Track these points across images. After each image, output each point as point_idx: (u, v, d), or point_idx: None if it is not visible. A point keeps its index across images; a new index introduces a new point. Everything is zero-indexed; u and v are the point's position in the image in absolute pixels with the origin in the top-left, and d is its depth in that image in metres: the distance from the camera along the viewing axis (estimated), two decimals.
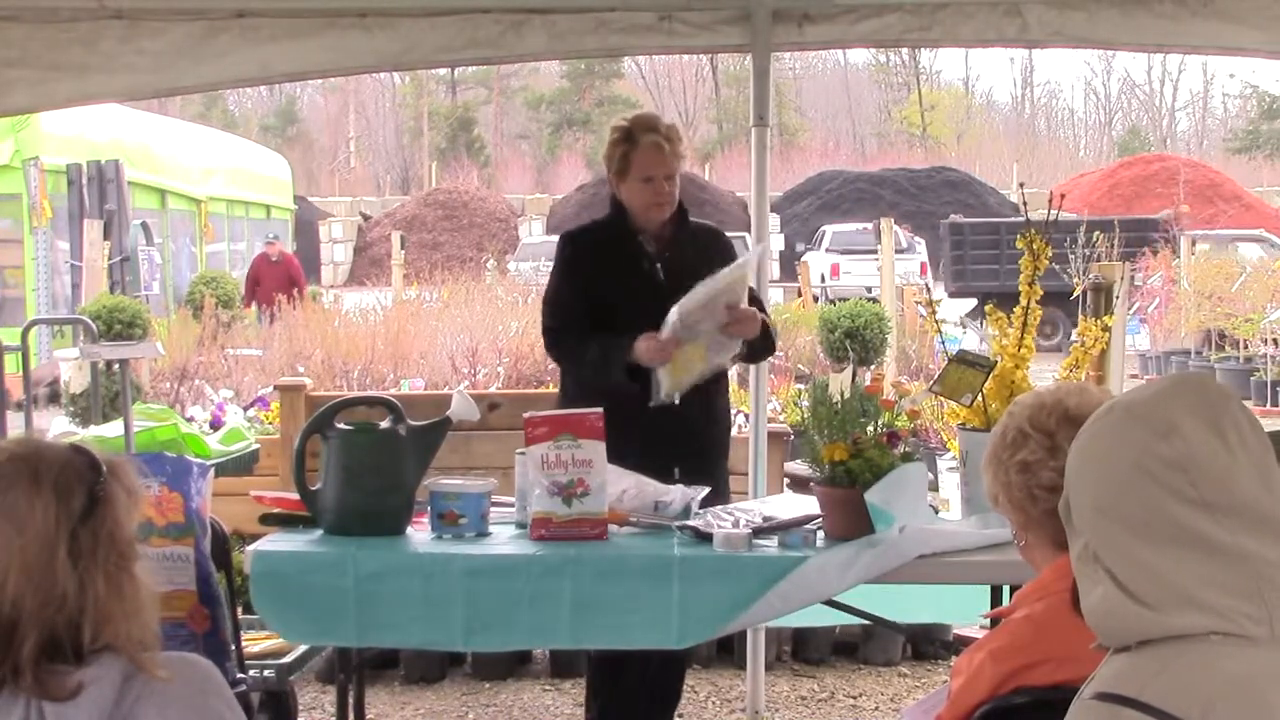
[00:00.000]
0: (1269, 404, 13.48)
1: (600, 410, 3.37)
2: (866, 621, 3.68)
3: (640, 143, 3.89)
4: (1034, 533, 2.30)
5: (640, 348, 3.75)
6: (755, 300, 3.99)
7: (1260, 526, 1.63)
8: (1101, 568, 1.67)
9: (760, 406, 4.72)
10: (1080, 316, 5.06)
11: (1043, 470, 2.24)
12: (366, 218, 39.25)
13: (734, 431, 4.36)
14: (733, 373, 8.36)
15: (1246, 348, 15.09)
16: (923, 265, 25.48)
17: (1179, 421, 1.65)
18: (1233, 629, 1.60)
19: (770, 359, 8.06)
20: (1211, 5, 4.35)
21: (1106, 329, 3.80)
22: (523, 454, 3.36)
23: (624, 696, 4.02)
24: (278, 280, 17.30)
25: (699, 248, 3.98)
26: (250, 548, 3.26)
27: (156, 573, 2.68)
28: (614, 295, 3.86)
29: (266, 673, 3.88)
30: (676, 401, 3.79)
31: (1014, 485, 2.29)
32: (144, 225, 16.63)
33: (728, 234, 4.29)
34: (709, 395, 3.96)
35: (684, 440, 3.85)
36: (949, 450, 5.14)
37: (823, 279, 25.73)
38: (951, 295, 19.90)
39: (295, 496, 3.41)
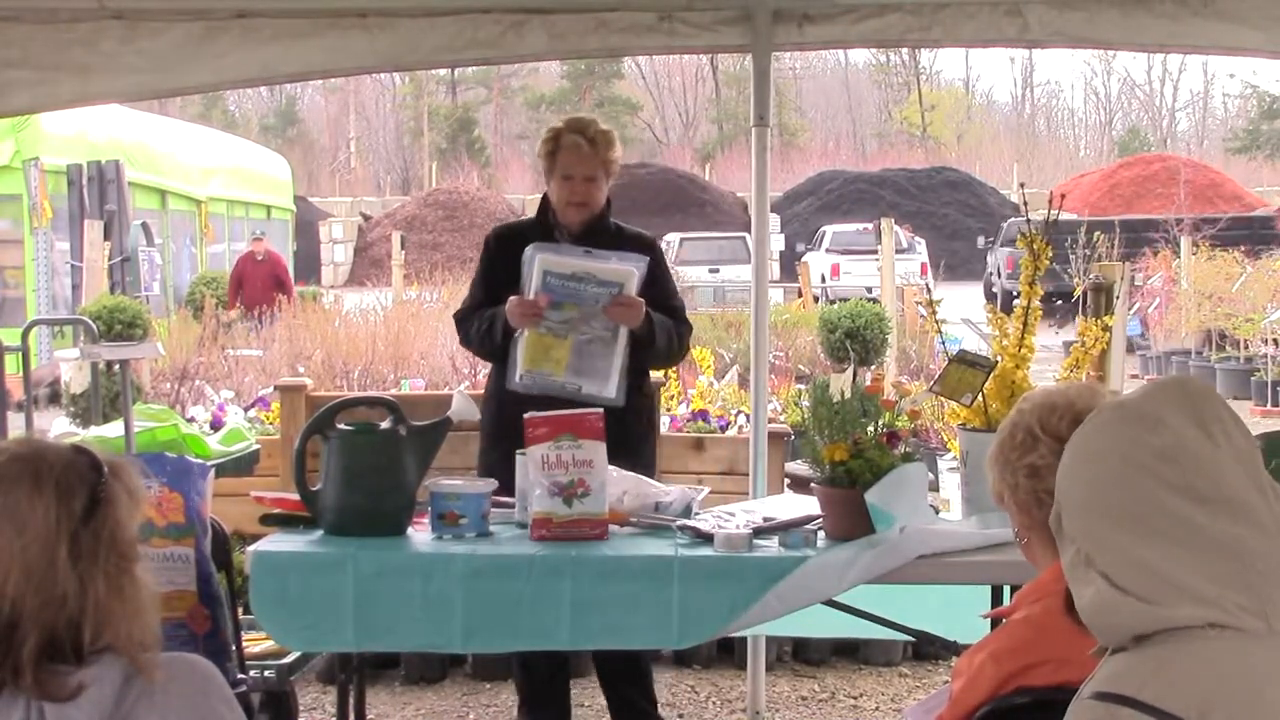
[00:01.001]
0: (1269, 404, 13.47)
1: (600, 411, 3.38)
2: (867, 624, 3.67)
3: (563, 142, 4.04)
4: (1037, 534, 2.30)
5: (509, 304, 3.89)
6: (667, 308, 4.05)
7: (1248, 521, 1.64)
8: (1095, 570, 1.68)
9: (760, 406, 4.71)
10: (1080, 317, 5.06)
11: (1052, 476, 2.22)
12: (367, 218, 39.28)
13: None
14: (733, 372, 8.40)
15: (1246, 348, 15.08)
16: (923, 265, 25.45)
17: (1165, 415, 1.68)
18: (1229, 621, 1.61)
19: (770, 359, 8.02)
20: (1212, 5, 4.34)
21: (1106, 329, 3.80)
22: (523, 454, 3.36)
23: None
24: (263, 280, 16.54)
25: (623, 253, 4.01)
26: (250, 548, 3.26)
27: (157, 573, 2.69)
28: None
29: (267, 673, 3.88)
30: (521, 387, 3.87)
31: (1021, 488, 2.29)
32: (144, 226, 16.61)
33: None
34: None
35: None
36: (949, 450, 5.14)
37: (823, 279, 25.75)
38: (1051, 296, 19.59)
39: (295, 497, 3.41)
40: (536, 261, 3.89)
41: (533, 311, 3.86)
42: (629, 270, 3.90)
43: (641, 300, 3.90)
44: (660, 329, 3.98)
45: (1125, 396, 1.76)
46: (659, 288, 4.05)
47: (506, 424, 3.71)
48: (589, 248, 3.95)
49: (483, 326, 4.04)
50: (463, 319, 4.16)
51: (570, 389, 3.88)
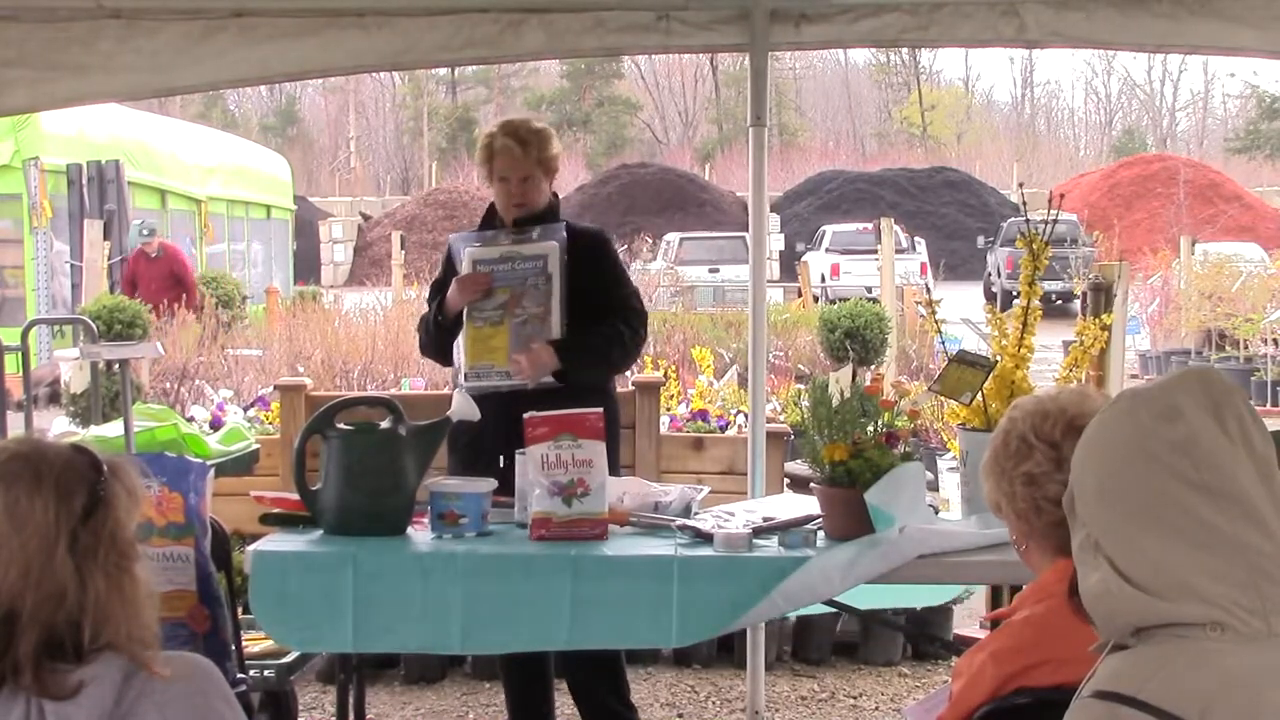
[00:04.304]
0: (1269, 404, 13.46)
1: (600, 410, 3.37)
2: (866, 618, 3.67)
3: (496, 147, 4.06)
4: (1036, 541, 2.30)
5: (454, 284, 3.99)
6: (616, 296, 4.05)
7: (1254, 520, 1.64)
8: (1102, 555, 1.68)
9: (759, 406, 4.71)
10: (1080, 316, 5.06)
11: (1049, 483, 2.23)
12: (366, 218, 39.27)
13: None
14: (733, 372, 8.39)
15: (1246, 348, 15.08)
16: (923, 265, 25.46)
17: (1183, 406, 1.68)
18: (1229, 621, 1.61)
19: (770, 358, 8.00)
20: (1210, 5, 4.34)
21: (1106, 329, 3.80)
22: (523, 454, 3.36)
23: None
24: (159, 279, 14.21)
25: (571, 250, 4.01)
26: (250, 548, 3.26)
27: (156, 573, 2.68)
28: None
29: (267, 673, 3.88)
30: (469, 387, 3.86)
31: (1019, 496, 2.28)
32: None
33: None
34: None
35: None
36: (949, 450, 5.14)
37: (823, 279, 25.73)
38: None
39: (295, 496, 3.41)
40: (465, 255, 4.01)
41: (480, 284, 3.94)
42: (550, 244, 3.97)
43: (539, 349, 3.87)
44: (586, 354, 3.94)
45: (1144, 385, 1.76)
46: (607, 276, 4.08)
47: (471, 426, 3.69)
48: (512, 232, 4.02)
49: (429, 321, 4.12)
50: (420, 326, 4.24)
51: (515, 375, 3.91)
